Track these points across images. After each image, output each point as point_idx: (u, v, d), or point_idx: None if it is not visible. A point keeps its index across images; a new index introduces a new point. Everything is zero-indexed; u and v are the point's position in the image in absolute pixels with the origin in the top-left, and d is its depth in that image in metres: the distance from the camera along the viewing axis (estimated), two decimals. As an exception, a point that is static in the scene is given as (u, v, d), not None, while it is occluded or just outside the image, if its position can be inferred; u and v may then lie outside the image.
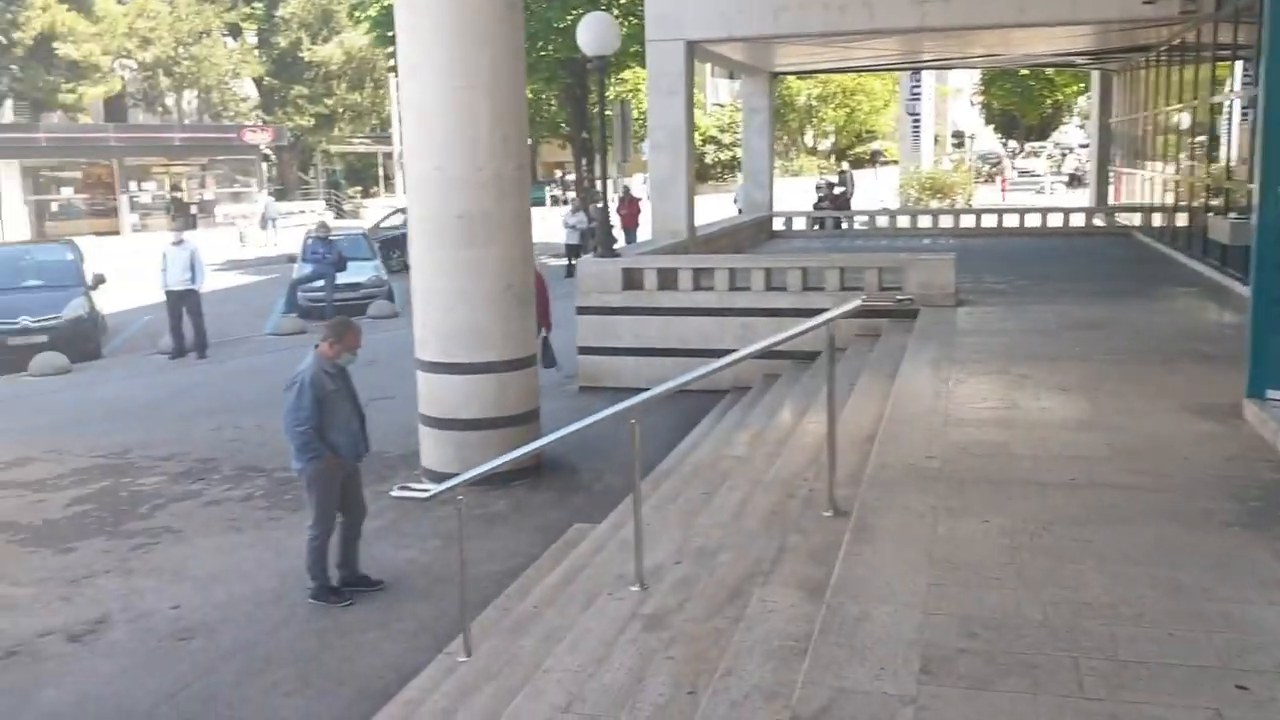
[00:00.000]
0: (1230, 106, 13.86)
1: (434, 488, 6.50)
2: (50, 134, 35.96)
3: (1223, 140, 14.31)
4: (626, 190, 27.34)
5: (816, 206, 27.58)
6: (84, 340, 16.31)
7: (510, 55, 9.34)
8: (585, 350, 12.84)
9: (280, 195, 43.74)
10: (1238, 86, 13.24)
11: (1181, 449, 6.14)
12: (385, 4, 27.93)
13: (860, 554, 4.58)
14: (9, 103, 42.07)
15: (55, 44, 37.91)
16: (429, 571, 7.58)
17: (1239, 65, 13.29)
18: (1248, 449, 6.14)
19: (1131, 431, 6.53)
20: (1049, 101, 57.38)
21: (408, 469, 9.89)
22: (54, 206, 35.69)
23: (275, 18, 45.82)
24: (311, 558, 7.18)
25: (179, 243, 16.17)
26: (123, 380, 14.95)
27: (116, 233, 35.33)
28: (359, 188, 54.07)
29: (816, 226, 24.29)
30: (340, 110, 47.90)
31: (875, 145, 63.23)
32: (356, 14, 32.26)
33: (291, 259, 21.10)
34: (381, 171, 53.54)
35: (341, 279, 18.80)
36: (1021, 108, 57.32)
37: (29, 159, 34.28)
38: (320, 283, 18.64)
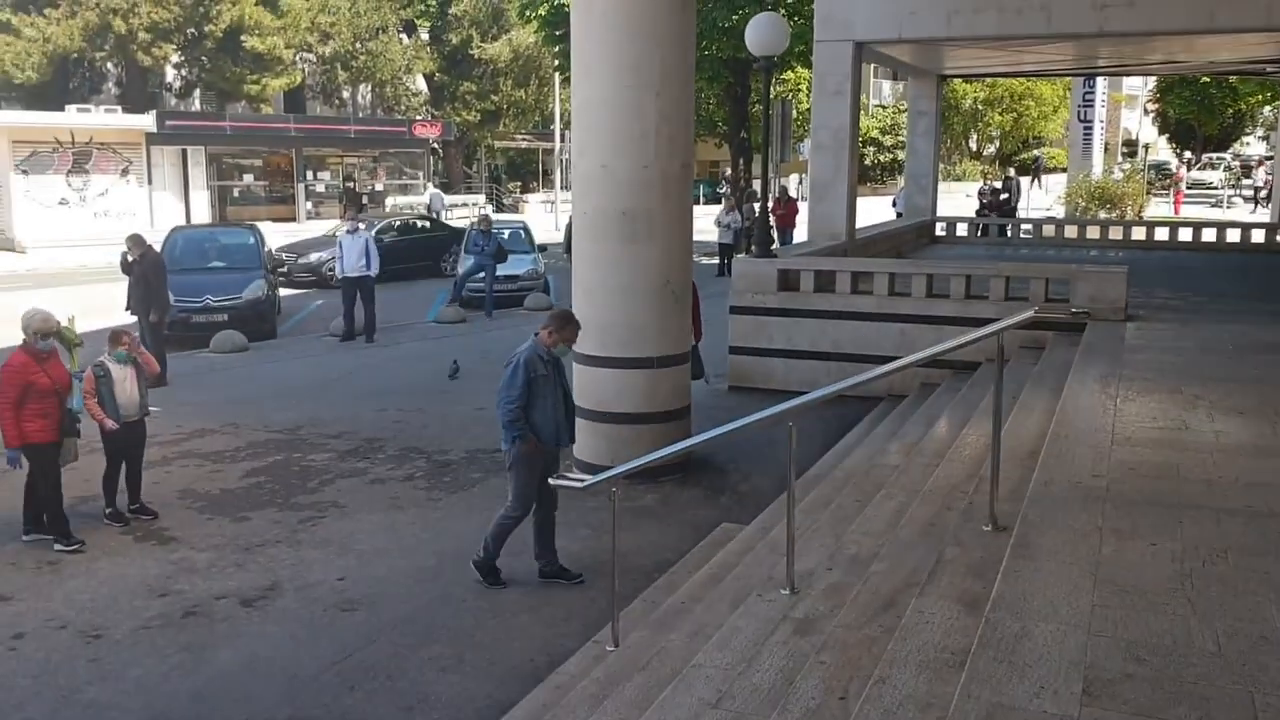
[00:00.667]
0: None
1: (589, 478, 6.64)
2: (234, 123, 37.81)
3: None
4: (783, 190, 27.22)
5: (979, 213, 26.93)
6: (261, 320, 17.14)
7: (680, 55, 9.43)
8: (736, 350, 12.87)
9: (445, 188, 44.97)
10: None
11: (1372, 482, 5.81)
12: (555, 3, 28.49)
13: (1021, 570, 4.49)
14: (197, 92, 44.48)
15: (243, 37, 39.87)
16: (578, 560, 7.72)
17: None
18: None
19: (1318, 461, 6.21)
20: (1230, 111, 54.52)
21: (561, 458, 10.08)
22: (235, 192, 37.55)
23: (448, 15, 47.14)
24: (495, 532, 7.35)
25: (354, 231, 16.84)
26: (296, 360, 15.67)
27: (293, 219, 36.94)
28: (518, 183, 55.23)
29: (980, 233, 23.71)
30: (505, 106, 48.96)
31: (1036, 152, 61.19)
32: (527, 13, 32.92)
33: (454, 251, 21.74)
34: (541, 167, 54.54)
35: (500, 271, 19.27)
36: (1200, 117, 54.63)
37: (214, 146, 36.13)
38: (481, 274, 19.15)
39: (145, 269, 13.68)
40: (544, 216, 41.47)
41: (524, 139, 53.75)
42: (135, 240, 13.94)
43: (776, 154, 16.97)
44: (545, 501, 7.44)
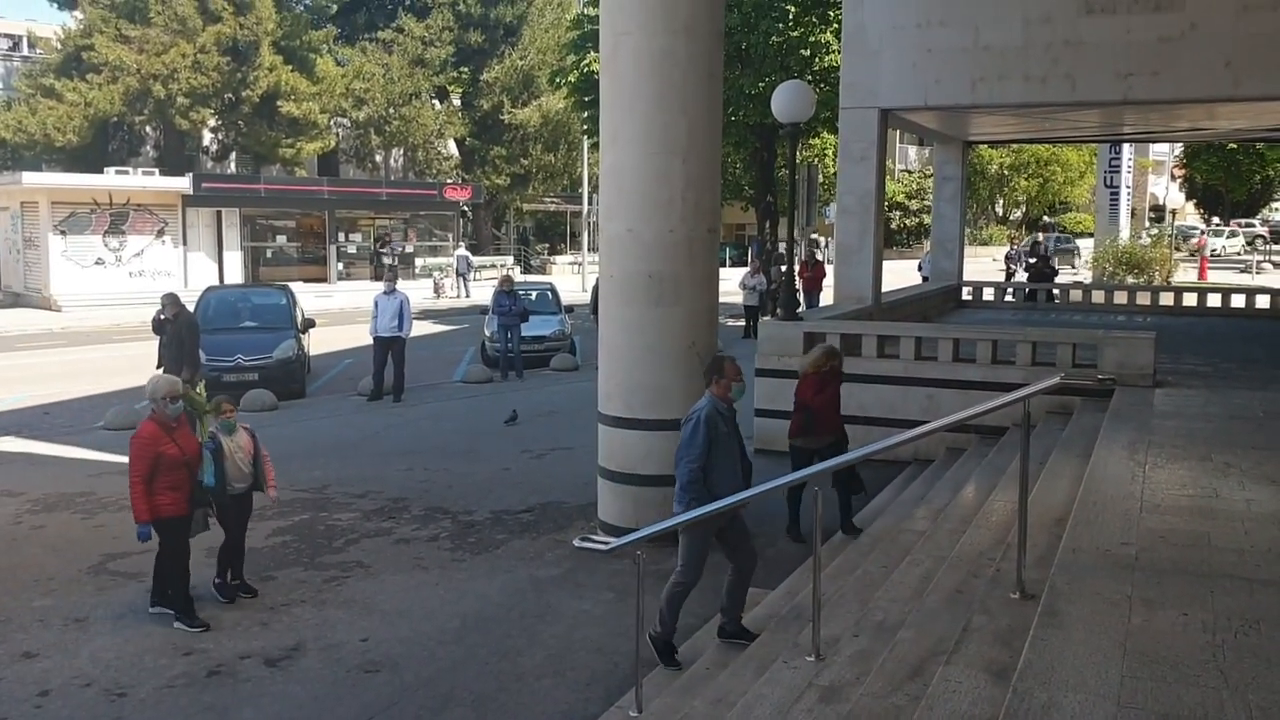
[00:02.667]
0: None
1: (614, 541, 6.65)
2: (269, 185, 38.47)
3: None
4: (810, 254, 27.34)
5: (1009, 276, 26.89)
6: (291, 380, 17.30)
7: (708, 123, 9.57)
8: (762, 413, 12.85)
9: (474, 250, 45.48)
10: None
11: None
12: (585, 70, 28.97)
13: (1049, 639, 4.44)
14: (233, 155, 45.34)
15: (279, 102, 40.71)
16: (603, 624, 7.70)
17: None
18: None
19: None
20: (1258, 177, 54.51)
21: (584, 520, 10.10)
22: (268, 253, 38.11)
23: (480, 81, 47.98)
24: (668, 605, 6.87)
25: (390, 292, 17.05)
26: (324, 419, 15.78)
27: (324, 279, 37.42)
28: (546, 244, 55.77)
29: (1007, 297, 23.69)
30: (534, 170, 49.61)
31: (1046, 218, 61.28)
32: (557, 79, 33.50)
33: (483, 311, 21.92)
34: (569, 229, 55.09)
35: (526, 331, 19.41)
36: (1227, 183, 54.65)
37: (249, 208, 36.76)
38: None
39: (179, 329, 13.88)
40: (571, 278, 41.83)
41: (552, 202, 54.38)
42: (170, 300, 14.15)
43: (803, 218, 17.05)
44: (738, 558, 7.02)
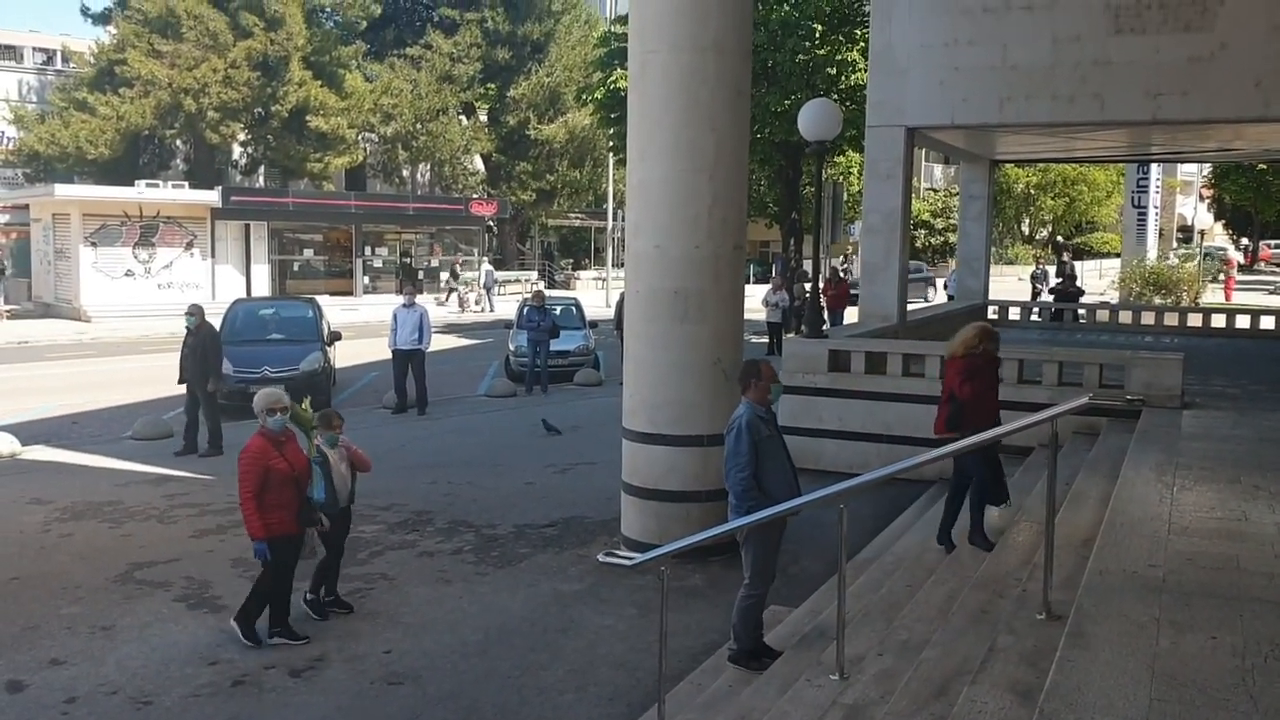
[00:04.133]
0: None
1: (638, 556, 6.62)
2: (297, 199, 38.79)
3: None
4: (834, 271, 27.33)
5: (1035, 296, 26.78)
6: (317, 392, 17.25)
7: (735, 140, 9.60)
8: (786, 430, 12.57)
9: (499, 264, 45.70)
10: None
11: None
12: (611, 87, 29.11)
13: (1076, 661, 4.42)
14: (262, 169, 45.78)
15: (308, 117, 41.08)
16: (625, 639, 7.70)
17: None
18: None
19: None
20: (1288, 198, 54.09)
21: (608, 535, 10.11)
22: (295, 266, 38.39)
23: (507, 98, 48.28)
24: (742, 618, 6.80)
25: (410, 305, 17.14)
26: (349, 431, 15.71)
27: (350, 293, 37.67)
28: (571, 259, 55.97)
29: (1033, 316, 23.59)
30: (560, 186, 49.86)
31: (1059, 239, 61.04)
32: (584, 96, 33.67)
33: (507, 325, 22.00)
34: (593, 245, 55.26)
35: (552, 346, 19.46)
36: (1256, 203, 54.24)
37: (276, 221, 37.07)
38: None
39: (202, 340, 14.09)
40: (595, 293, 41.91)
41: (577, 217, 54.60)
42: (195, 311, 14.35)
43: (828, 235, 17.06)
44: None
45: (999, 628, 5.35)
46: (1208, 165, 53.56)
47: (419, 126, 45.82)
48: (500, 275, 42.21)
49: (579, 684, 7.04)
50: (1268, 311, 22.56)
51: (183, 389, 14.29)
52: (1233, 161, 40.45)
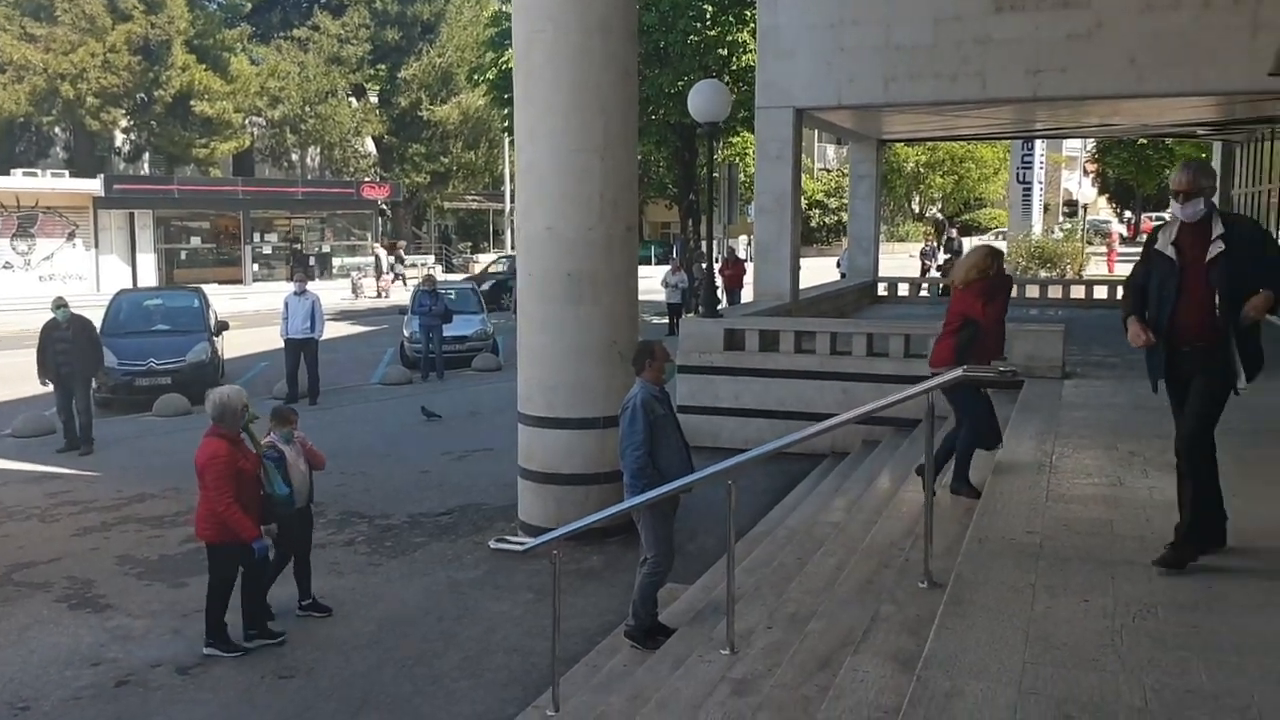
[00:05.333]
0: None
1: (530, 541, 6.62)
2: (183, 186, 37.70)
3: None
4: (731, 251, 27.50)
5: (924, 272, 27.38)
6: (205, 384, 16.82)
7: (625, 121, 9.58)
8: (684, 409, 12.85)
9: (393, 249, 45.04)
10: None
11: (1301, 537, 5.92)
12: (503, 68, 28.83)
13: (954, 628, 4.52)
14: (146, 156, 44.32)
15: (192, 102, 39.88)
16: (521, 624, 7.67)
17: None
18: (1371, 539, 5.89)
19: (1246, 516, 6.30)
20: (1167, 171, 56.02)
21: (505, 521, 10.04)
22: (182, 255, 37.32)
23: (397, 79, 47.49)
24: (642, 595, 6.88)
25: (301, 293, 16.78)
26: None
27: (239, 281, 36.76)
28: (469, 243, 55.41)
29: (922, 292, 24.08)
30: (455, 168, 49.27)
31: (939, 216, 62.51)
32: (475, 77, 33.31)
33: (403, 311, 21.69)
34: (491, 228, 54.80)
35: (447, 331, 19.25)
36: (1138, 177, 56.12)
37: (162, 209, 35.97)
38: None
39: (79, 333, 13.70)
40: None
41: (474, 200, 54.07)
42: (63, 302, 14.00)
43: (724, 216, 17.16)
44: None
45: (883, 597, 5.46)
46: (1091, 140, 55.19)
47: (307, 109, 44.82)
48: (393, 259, 41.58)
49: (474, 671, 7.00)
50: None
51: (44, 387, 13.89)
52: (1114, 137, 41.75)
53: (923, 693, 3.91)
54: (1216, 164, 26.04)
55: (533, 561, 8.39)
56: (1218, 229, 5.05)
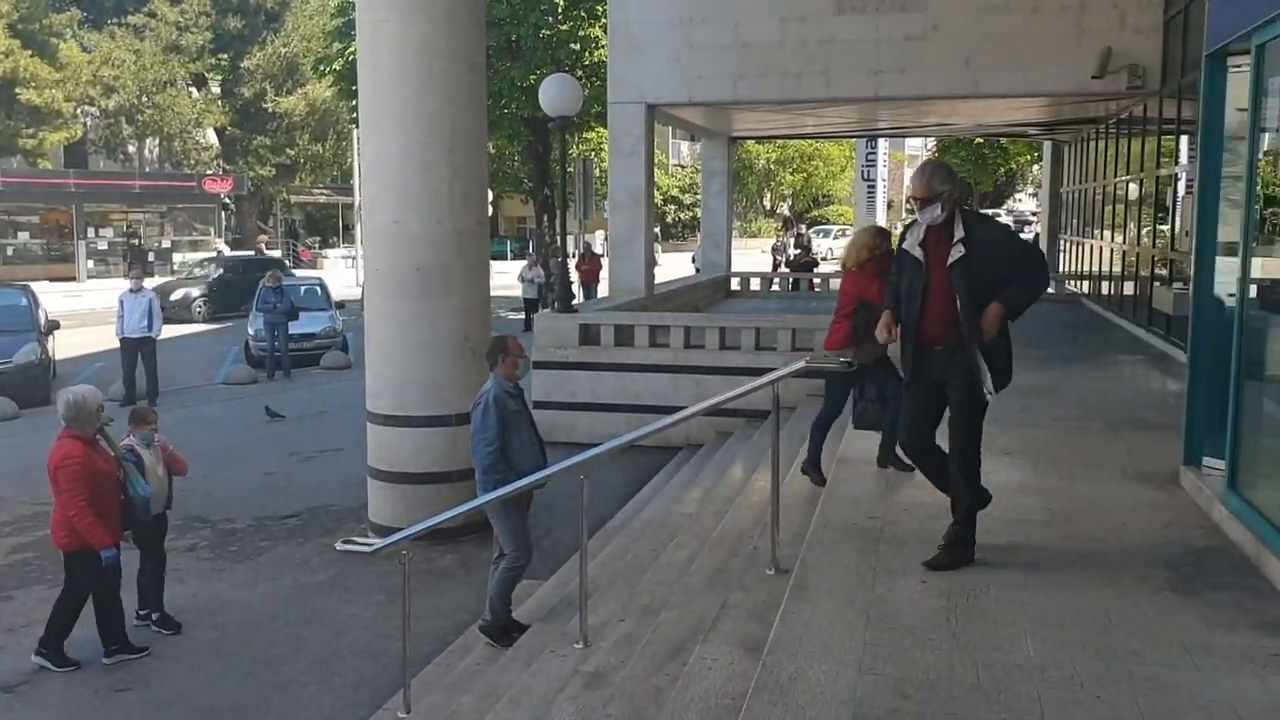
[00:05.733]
0: (1175, 180, 14.27)
1: (378, 542, 6.50)
2: (8, 178, 35.70)
3: (1168, 212, 14.70)
4: (587, 246, 27.57)
5: (776, 267, 27.94)
6: (34, 386, 16.11)
7: (473, 113, 9.48)
8: (540, 405, 12.83)
9: (238, 244, 43.57)
10: (1183, 160, 13.64)
11: (1119, 515, 6.26)
12: (350, 58, 28.15)
13: (799, 612, 4.63)
14: (-33, 145, 41.78)
15: (17, 90, 37.75)
16: (372, 627, 7.53)
17: (1184, 140, 13.70)
18: (1183, 516, 6.26)
19: (1071, 497, 6.65)
20: (1002, 170, 58.52)
21: (355, 523, 9.84)
22: (9, 250, 35.34)
23: (240, 69, 45.91)
24: (499, 590, 6.83)
25: (137, 290, 16.08)
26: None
27: (73, 278, 35.03)
28: (317, 237, 54.00)
29: (773, 287, 24.57)
30: (302, 161, 47.91)
31: (785, 212, 64.19)
32: (321, 67, 32.46)
33: (245, 308, 21.01)
34: (341, 222, 53.54)
35: (294, 329, 18.74)
36: (975, 175, 58.44)
37: (-15, 202, 34.08)
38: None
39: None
40: (345, 272, 40.60)
41: (322, 193, 52.67)
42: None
43: (580, 211, 17.16)
44: None
45: (732, 585, 5.55)
46: (931, 139, 57.15)
47: (144, 99, 42.87)
48: (241, 255, 40.22)
49: (322, 675, 6.84)
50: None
51: None
52: (953, 136, 43.33)
53: (768, 677, 3.99)
54: (1046, 163, 27.35)
55: (384, 563, 8.21)
56: (959, 232, 5.09)
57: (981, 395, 5.26)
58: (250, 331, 19.57)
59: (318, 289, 21.89)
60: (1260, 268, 5.71)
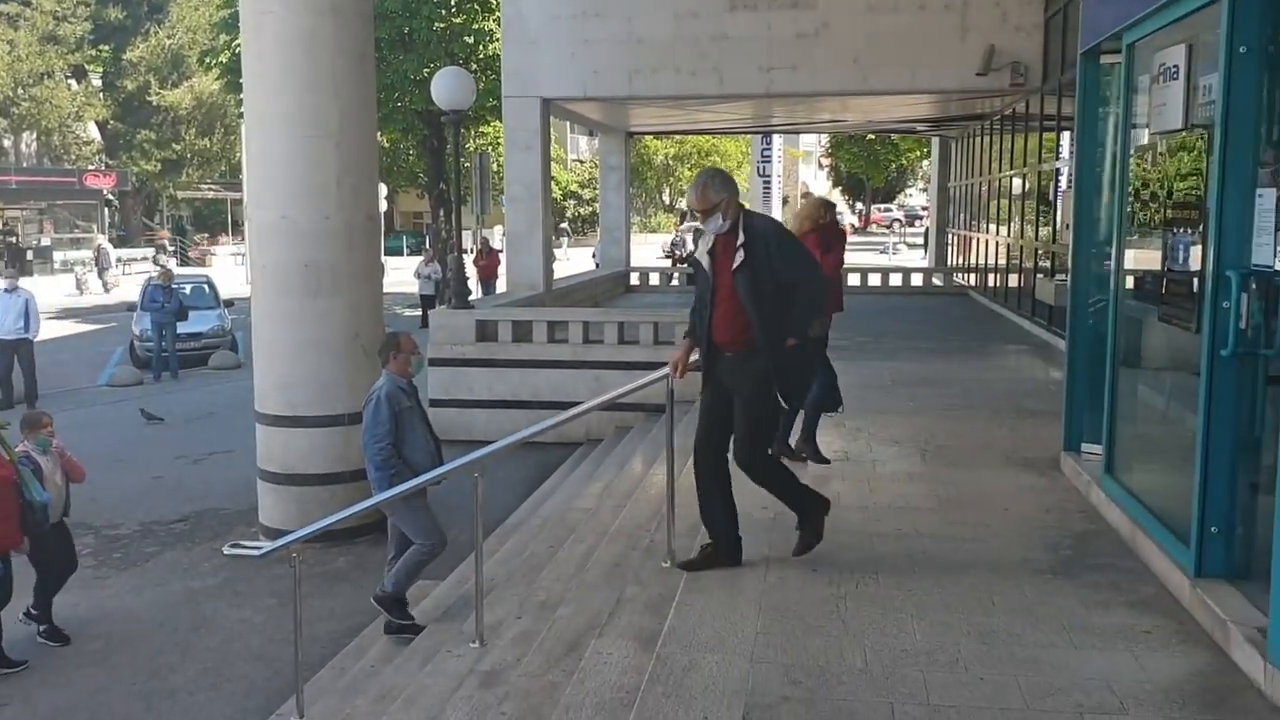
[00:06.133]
0: (1057, 174, 14.74)
1: (267, 545, 6.33)
2: None
3: (1050, 206, 15.18)
4: (485, 242, 27.31)
5: (675, 262, 28.11)
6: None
7: (361, 106, 9.32)
8: (436, 403, 12.71)
9: (123, 241, 42.22)
10: (1064, 155, 14.09)
11: (1002, 500, 6.45)
12: (236, 50, 27.47)
13: (693, 604, 4.66)
14: None
15: (-120, 79, 36.07)
16: (263, 631, 7.37)
17: (1065, 136, 14.14)
18: (1063, 500, 6.49)
19: (957, 484, 6.83)
20: (893, 165, 59.81)
21: (246, 526, 9.62)
22: (-127, 249, 33.71)
23: (123, 61, 44.45)
24: (408, 568, 6.76)
25: (12, 290, 15.45)
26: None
27: (-58, 277, 33.52)
28: (206, 234, 52.63)
29: (673, 281, 24.71)
30: (189, 155, 46.63)
31: (681, 207, 64.58)
32: (207, 60, 31.63)
33: (130, 307, 20.34)
34: (230, 218, 52.23)
35: (182, 328, 18.22)
36: (868, 171, 59.60)
37: None
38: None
39: None
40: (234, 269, 39.59)
41: (210, 189, 51.34)
42: None
43: (477, 206, 17.01)
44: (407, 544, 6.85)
45: (629, 579, 5.56)
46: (825, 136, 58.08)
47: (20, 92, 41.26)
48: (125, 253, 38.99)
49: (212, 682, 6.67)
50: (875, 269, 24.84)
51: None
52: (845, 132, 44.08)
53: (661, 669, 4.01)
54: (934, 159, 27.99)
55: (275, 566, 8.01)
56: (740, 238, 5.03)
57: (772, 404, 5.19)
58: (135, 331, 18.97)
59: (205, 287, 21.29)
60: (1133, 259, 5.93)
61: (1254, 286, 4.25)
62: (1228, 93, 4.42)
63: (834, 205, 7.92)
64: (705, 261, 5.20)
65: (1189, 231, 5.02)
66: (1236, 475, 4.55)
